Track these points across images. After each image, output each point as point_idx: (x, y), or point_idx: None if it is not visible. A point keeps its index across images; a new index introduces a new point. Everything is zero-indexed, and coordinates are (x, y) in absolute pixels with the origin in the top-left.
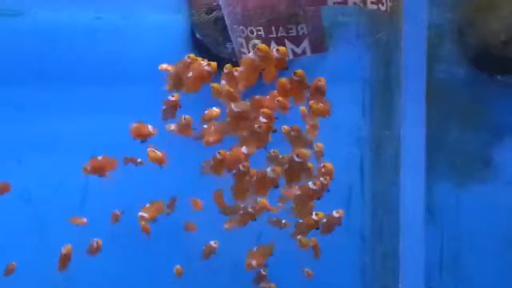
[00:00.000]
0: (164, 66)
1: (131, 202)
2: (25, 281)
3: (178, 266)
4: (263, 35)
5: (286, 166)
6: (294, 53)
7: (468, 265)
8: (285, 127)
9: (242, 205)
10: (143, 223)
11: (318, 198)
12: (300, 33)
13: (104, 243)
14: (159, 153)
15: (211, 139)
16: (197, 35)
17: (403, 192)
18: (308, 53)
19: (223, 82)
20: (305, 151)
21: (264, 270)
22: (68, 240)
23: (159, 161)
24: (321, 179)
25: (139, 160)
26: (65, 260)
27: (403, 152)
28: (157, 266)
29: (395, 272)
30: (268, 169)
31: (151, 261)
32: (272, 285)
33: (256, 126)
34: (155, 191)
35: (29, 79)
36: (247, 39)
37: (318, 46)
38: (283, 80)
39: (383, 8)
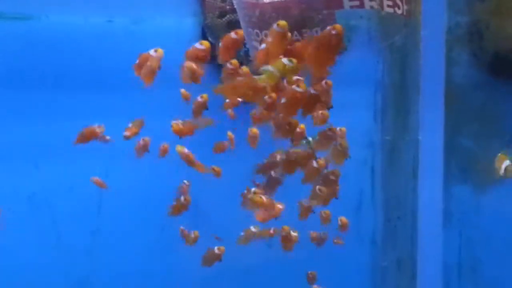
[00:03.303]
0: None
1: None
2: (39, 283)
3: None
4: None
5: None
6: None
7: (487, 270)
8: None
9: None
10: None
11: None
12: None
13: (118, 245)
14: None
15: None
16: (210, 39)
17: (420, 197)
18: None
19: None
20: None
21: None
22: (83, 242)
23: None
24: None
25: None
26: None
27: (421, 157)
28: (174, 269)
29: (412, 277)
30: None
31: (169, 263)
32: None
33: None
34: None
35: (41, 83)
36: (262, 42)
37: None
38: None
39: (399, 11)
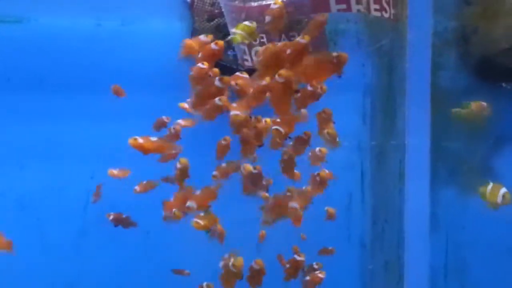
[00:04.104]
0: None
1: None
2: (26, 285)
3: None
4: (266, 42)
5: None
6: None
7: (473, 272)
8: None
9: None
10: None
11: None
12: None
13: (104, 247)
14: None
15: None
16: None
17: (407, 200)
18: None
19: None
20: None
21: None
22: (68, 245)
23: None
24: None
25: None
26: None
27: (408, 160)
28: (159, 270)
29: (399, 279)
30: None
31: (152, 265)
32: None
33: None
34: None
35: (30, 85)
36: (250, 46)
37: None
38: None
39: (386, 15)
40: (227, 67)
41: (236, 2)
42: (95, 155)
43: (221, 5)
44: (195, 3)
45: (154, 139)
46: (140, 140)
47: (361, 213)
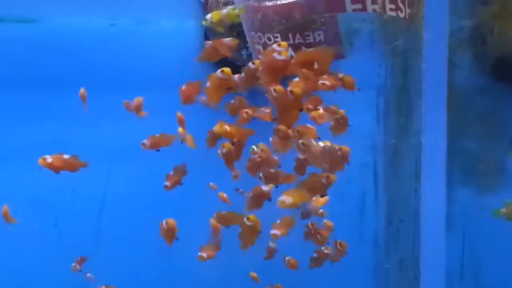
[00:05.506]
0: None
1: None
2: (41, 284)
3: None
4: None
5: None
6: None
7: (489, 272)
8: None
9: None
10: None
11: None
12: (317, 39)
13: (121, 247)
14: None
15: None
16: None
17: (423, 200)
18: None
19: None
20: None
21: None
22: (84, 244)
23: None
24: None
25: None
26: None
27: (424, 160)
28: (174, 270)
29: (414, 279)
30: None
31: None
32: None
33: None
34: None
35: (45, 84)
36: (265, 46)
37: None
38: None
39: (402, 15)
40: (240, 67)
41: (251, 1)
42: (111, 154)
43: (236, 4)
44: (209, 2)
45: (65, 156)
46: (49, 160)
47: (375, 212)
